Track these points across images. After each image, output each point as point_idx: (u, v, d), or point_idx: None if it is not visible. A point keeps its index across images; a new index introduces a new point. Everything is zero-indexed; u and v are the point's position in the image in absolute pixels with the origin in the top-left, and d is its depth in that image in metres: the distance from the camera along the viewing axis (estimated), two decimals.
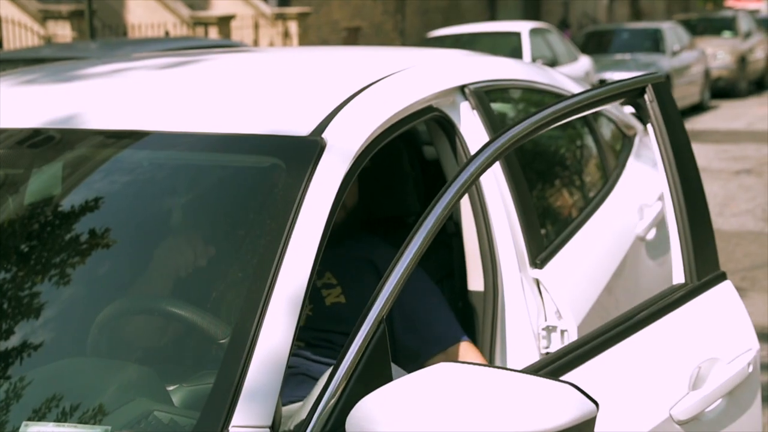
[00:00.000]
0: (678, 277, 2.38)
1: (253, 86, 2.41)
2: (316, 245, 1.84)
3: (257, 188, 2.06)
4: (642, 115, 2.49)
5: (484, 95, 2.63)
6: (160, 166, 2.22)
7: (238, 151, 2.09)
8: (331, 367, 1.70)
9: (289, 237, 1.83)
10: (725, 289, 2.45)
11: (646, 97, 2.44)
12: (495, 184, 2.51)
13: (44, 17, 13.90)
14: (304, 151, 1.99)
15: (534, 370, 1.90)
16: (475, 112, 2.55)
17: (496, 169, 2.52)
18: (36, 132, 2.16)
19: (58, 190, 2.18)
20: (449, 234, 2.70)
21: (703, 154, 12.86)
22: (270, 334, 1.70)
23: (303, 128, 2.05)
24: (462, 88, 2.56)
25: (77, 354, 1.96)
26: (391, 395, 1.60)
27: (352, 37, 24.25)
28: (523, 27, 14.82)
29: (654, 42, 18.03)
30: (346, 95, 2.20)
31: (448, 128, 2.50)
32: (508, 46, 13.87)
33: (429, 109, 2.40)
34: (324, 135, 2.02)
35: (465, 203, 2.49)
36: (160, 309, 1.94)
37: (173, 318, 1.92)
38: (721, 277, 2.46)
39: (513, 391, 1.57)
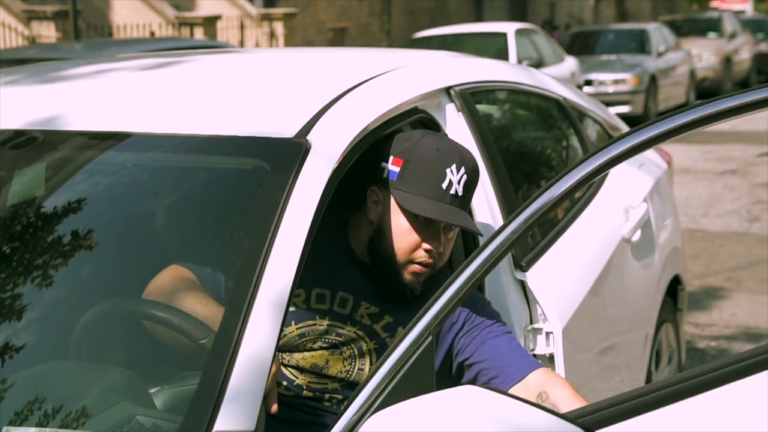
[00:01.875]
0: None
1: (238, 87, 2.41)
2: (300, 247, 1.83)
3: (241, 190, 2.05)
4: None
5: (470, 97, 2.62)
6: (143, 167, 2.21)
7: (223, 153, 2.08)
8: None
9: (274, 239, 1.82)
10: None
11: None
12: (480, 186, 2.51)
13: (28, 18, 13.84)
14: (289, 153, 1.98)
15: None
16: (460, 113, 2.54)
17: (482, 171, 2.51)
18: (18, 133, 2.14)
19: (40, 191, 2.16)
20: None
21: (687, 155, 12.89)
22: (254, 337, 1.69)
23: (288, 130, 2.04)
24: (447, 90, 2.55)
25: (60, 357, 1.95)
26: (405, 412, 1.58)
27: (338, 37, 24.23)
28: (509, 28, 14.83)
29: (639, 43, 18.06)
30: (332, 97, 2.19)
31: (433, 130, 2.49)
32: (494, 46, 13.87)
33: (414, 110, 2.39)
34: (309, 137, 2.02)
35: None
36: (142, 311, 1.93)
37: (156, 320, 1.90)
38: None
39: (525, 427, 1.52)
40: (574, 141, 3.46)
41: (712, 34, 22.93)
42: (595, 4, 39.46)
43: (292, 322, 2.19)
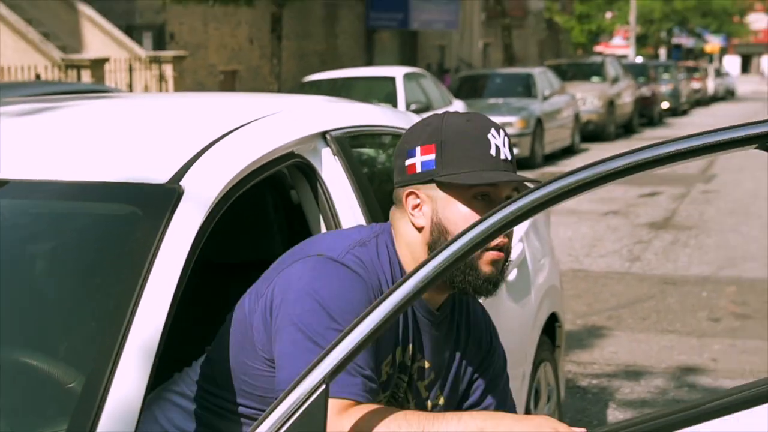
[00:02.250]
0: None
1: (114, 133, 2.41)
2: (171, 293, 1.84)
3: (114, 236, 2.05)
4: None
5: (346, 141, 2.67)
6: (20, 214, 2.20)
7: (97, 199, 2.09)
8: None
9: (144, 285, 1.83)
10: None
11: None
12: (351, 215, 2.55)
13: None
14: (161, 199, 2.00)
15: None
16: (336, 158, 2.59)
17: (359, 216, 2.56)
18: None
19: None
20: None
21: None
22: (123, 384, 1.69)
23: (161, 176, 2.06)
24: (323, 135, 2.60)
25: None
26: None
27: (229, 80, 24.21)
28: (397, 72, 15.04)
29: (526, 87, 18.50)
30: (206, 143, 2.22)
31: (309, 174, 2.53)
32: (383, 90, 14.05)
33: (290, 155, 2.43)
34: (182, 182, 2.04)
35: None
36: (8, 358, 1.91)
37: (23, 367, 1.89)
38: None
39: None
40: None
41: (595, 79, 23.61)
42: (484, 48, 40.25)
43: (386, 389, 2.08)
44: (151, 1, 20.54)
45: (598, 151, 19.22)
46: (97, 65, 16.40)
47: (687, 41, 66.45)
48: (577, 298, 7.58)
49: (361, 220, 2.56)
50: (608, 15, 45.95)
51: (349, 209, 2.54)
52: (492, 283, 2.01)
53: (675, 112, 32.38)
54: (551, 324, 3.84)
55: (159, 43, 21.10)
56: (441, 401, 2.12)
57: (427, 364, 2.10)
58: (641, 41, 55.88)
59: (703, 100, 41.10)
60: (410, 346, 2.06)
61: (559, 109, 18.69)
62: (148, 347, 1.75)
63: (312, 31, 27.65)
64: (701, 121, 29.80)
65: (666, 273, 8.53)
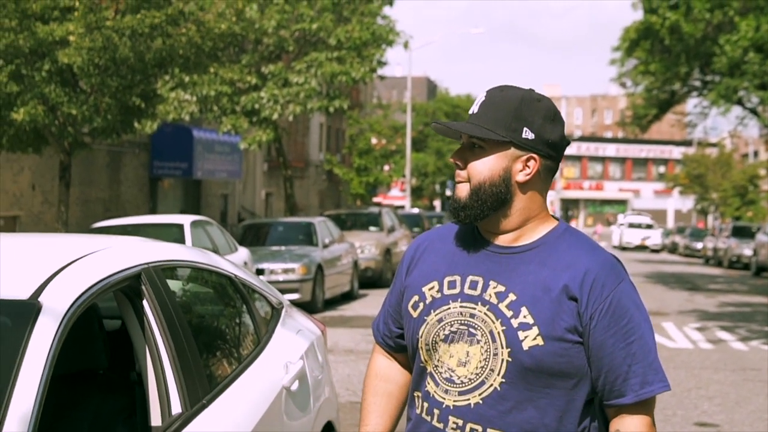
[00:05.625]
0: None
1: None
2: (38, 380, 2.44)
3: None
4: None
5: (161, 272, 3.34)
6: None
7: None
8: None
9: (16, 378, 2.43)
10: None
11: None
12: (166, 352, 3.17)
13: None
14: (25, 311, 2.61)
15: None
16: (155, 284, 3.25)
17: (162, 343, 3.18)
18: None
19: None
20: (132, 382, 3.34)
21: (350, 337, 14.04)
22: None
23: (23, 292, 2.68)
24: (145, 266, 3.26)
25: None
26: None
27: (10, 226, 24.00)
28: (185, 219, 15.62)
29: (307, 235, 19.35)
30: (54, 269, 2.85)
31: (133, 298, 3.17)
32: (170, 236, 14.57)
33: (121, 281, 3.08)
34: (40, 298, 2.66)
35: (149, 362, 3.14)
36: None
37: None
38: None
39: None
40: (246, 317, 4.21)
41: (373, 228, 24.82)
42: (266, 197, 41.31)
43: (431, 311, 2.46)
44: None
45: (375, 297, 20.26)
46: None
47: None
48: (354, 427, 8.26)
49: (166, 347, 3.18)
50: (386, 168, 48.13)
51: (161, 324, 3.18)
52: (454, 208, 2.46)
53: None
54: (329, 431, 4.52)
55: None
56: (529, 320, 2.36)
57: (502, 288, 2.40)
58: (417, 193, 58.66)
59: None
60: (470, 276, 2.44)
61: (339, 256, 19.54)
62: (26, 418, 2.34)
63: (96, 178, 27.81)
64: None
65: None
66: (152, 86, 16.93)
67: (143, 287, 3.20)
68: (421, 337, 2.47)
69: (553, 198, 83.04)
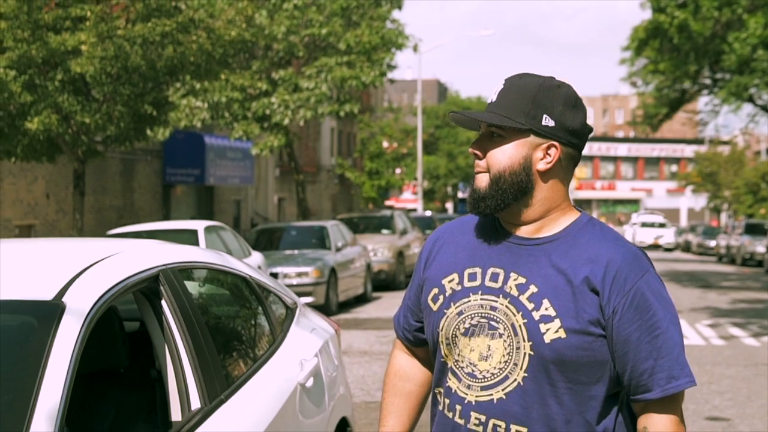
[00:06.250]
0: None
1: (3, 268, 3.11)
2: (64, 378, 2.55)
3: (19, 337, 2.75)
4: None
5: (179, 273, 3.45)
6: None
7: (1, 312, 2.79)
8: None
9: (44, 372, 2.54)
10: None
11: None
12: (185, 350, 3.28)
13: None
14: (50, 311, 2.73)
15: None
16: (173, 285, 3.36)
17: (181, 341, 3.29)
18: None
19: None
20: (152, 380, 3.45)
21: (365, 339, 14.14)
22: None
23: (47, 294, 2.79)
24: (163, 267, 3.37)
25: None
26: None
27: (25, 234, 24.18)
28: (199, 225, 15.76)
29: (320, 239, 19.45)
30: (75, 272, 2.96)
31: (152, 298, 3.29)
32: (185, 242, 14.74)
33: (140, 282, 3.19)
34: (64, 299, 2.77)
35: (168, 359, 3.25)
36: None
37: None
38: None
39: None
40: (261, 317, 4.32)
41: (385, 231, 24.91)
42: (279, 202, 41.49)
43: (451, 304, 2.41)
44: None
45: (389, 299, 20.36)
46: None
47: None
48: (369, 426, 8.37)
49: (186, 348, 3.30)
50: (398, 171, 48.23)
51: (179, 323, 3.30)
52: (474, 199, 2.42)
53: None
54: (344, 428, 4.63)
55: None
56: (551, 312, 2.31)
57: (523, 280, 2.36)
58: (429, 195, 58.75)
59: None
60: (491, 268, 2.40)
61: (352, 259, 19.63)
62: (51, 417, 2.45)
63: (109, 186, 27.96)
64: None
65: None
66: (164, 94, 17.09)
67: (162, 288, 3.31)
68: (442, 330, 2.43)
69: None
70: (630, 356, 2.31)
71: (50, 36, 15.02)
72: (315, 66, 24.15)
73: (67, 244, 3.79)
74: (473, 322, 2.38)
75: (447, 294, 2.44)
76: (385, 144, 47.15)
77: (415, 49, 26.91)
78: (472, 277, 2.41)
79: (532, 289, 2.34)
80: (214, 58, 16.87)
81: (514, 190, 2.37)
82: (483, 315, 2.37)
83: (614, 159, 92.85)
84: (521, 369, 2.33)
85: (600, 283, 2.32)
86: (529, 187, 2.38)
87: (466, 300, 2.40)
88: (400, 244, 24.23)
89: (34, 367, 2.58)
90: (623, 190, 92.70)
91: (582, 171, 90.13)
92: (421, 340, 2.63)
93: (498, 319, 2.35)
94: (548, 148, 2.38)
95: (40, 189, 25.05)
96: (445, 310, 2.42)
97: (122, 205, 28.73)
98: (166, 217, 30.37)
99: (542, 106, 2.37)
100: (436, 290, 2.47)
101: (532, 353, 2.31)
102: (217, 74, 18.06)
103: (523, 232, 2.42)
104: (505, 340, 2.33)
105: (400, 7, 26.94)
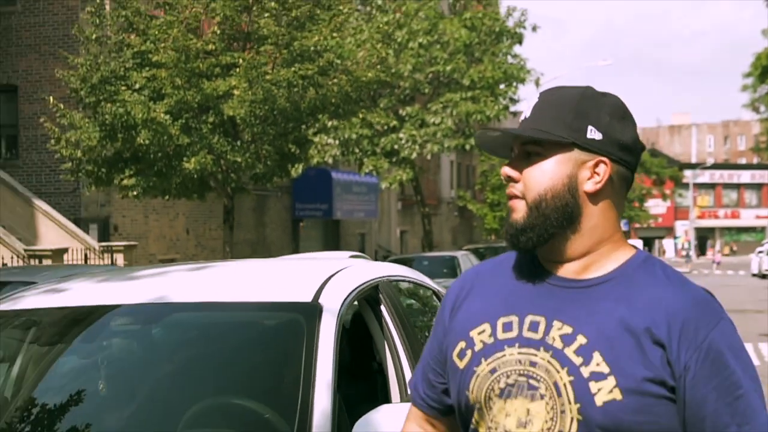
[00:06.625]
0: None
1: (261, 278, 3.91)
2: (330, 367, 3.29)
3: (290, 331, 3.53)
4: None
5: (391, 284, 4.22)
6: (225, 324, 3.62)
7: (272, 310, 3.57)
8: None
9: (316, 361, 3.29)
10: None
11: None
12: (401, 345, 4.03)
13: None
14: (311, 310, 3.50)
15: None
16: (389, 293, 4.12)
17: (398, 338, 4.03)
18: (143, 306, 3.57)
19: (160, 337, 3.59)
20: (374, 371, 4.22)
21: None
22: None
23: (307, 297, 3.58)
24: (380, 279, 4.14)
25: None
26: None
27: None
28: (343, 256, 16.58)
29: (451, 268, 20.18)
30: (322, 280, 3.74)
31: (373, 303, 4.05)
32: None
33: (367, 289, 3.96)
34: (320, 301, 3.55)
35: (387, 353, 4.00)
36: (237, 403, 3.33)
37: (242, 408, 3.31)
38: None
39: None
40: None
41: None
42: (401, 235, 42.34)
43: (482, 360, 1.99)
44: (95, 195, 22.00)
45: None
46: (58, 254, 17.75)
47: None
48: None
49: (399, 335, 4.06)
50: None
51: (396, 324, 4.04)
52: (511, 233, 2.01)
53: None
54: None
55: (104, 234, 22.49)
56: (604, 368, 1.88)
57: (569, 329, 1.93)
58: None
59: None
60: (530, 316, 1.98)
61: None
62: (329, 393, 3.21)
63: (243, 221, 29.17)
64: None
65: None
66: (304, 133, 18.15)
67: (380, 295, 4.06)
68: (472, 392, 2.00)
69: (687, 227, 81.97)
70: (708, 422, 1.89)
71: (204, 82, 16.23)
72: (440, 102, 24.98)
73: (299, 262, 4.59)
74: (509, 381, 1.95)
75: (477, 348, 2.01)
76: None
77: (536, 83, 27.50)
78: (507, 327, 1.99)
79: (581, 340, 1.92)
80: (351, 99, 17.85)
81: (559, 215, 1.97)
82: (521, 372, 1.95)
83: (737, 186, 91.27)
84: None
85: (666, 334, 1.90)
86: (576, 212, 1.98)
87: (500, 354, 1.98)
88: None
89: (308, 365, 3.22)
90: (747, 217, 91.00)
91: (704, 199, 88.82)
92: (447, 405, 2.15)
93: (539, 377, 1.93)
94: (596, 165, 1.98)
95: (181, 225, 26.40)
96: (475, 368, 2.00)
97: (255, 239, 29.93)
98: (296, 251, 31.48)
99: (586, 117, 1.98)
100: (463, 344, 2.04)
101: (580, 418, 1.89)
102: (356, 113, 19.03)
103: (568, 271, 2.00)
104: (547, 402, 1.91)
105: (520, 42, 27.60)
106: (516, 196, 2.01)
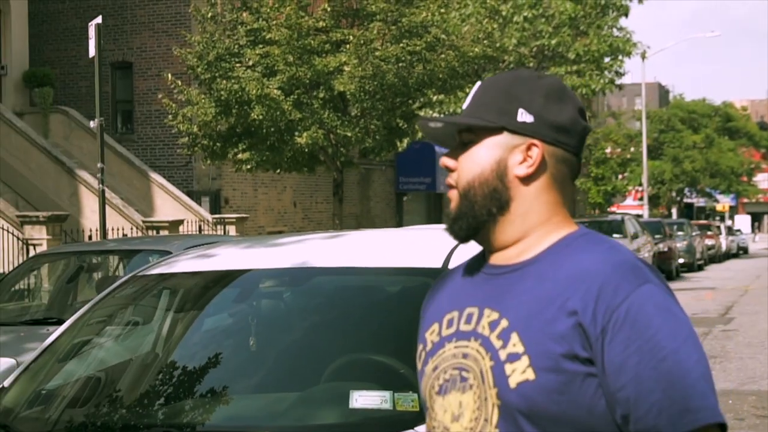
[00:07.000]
0: None
1: (391, 246, 4.23)
2: None
3: (422, 295, 3.83)
4: None
5: None
6: (361, 287, 3.95)
7: (404, 275, 3.89)
8: None
9: None
10: None
11: None
12: None
13: (22, 222, 15.53)
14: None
15: None
16: None
17: None
18: (293, 269, 3.92)
19: (304, 298, 3.95)
20: None
21: None
22: None
23: (437, 263, 3.88)
24: None
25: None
26: None
27: None
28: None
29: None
30: (450, 247, 4.04)
31: None
32: None
33: None
34: (449, 267, 3.85)
35: None
36: (378, 359, 3.66)
37: (378, 365, 3.64)
38: None
39: None
40: None
41: (616, 235, 25.42)
42: None
43: (429, 359, 1.95)
44: (207, 169, 22.67)
45: None
46: (174, 226, 18.45)
47: (698, 201, 68.73)
48: None
49: None
50: (620, 177, 48.19)
51: None
52: (448, 224, 1.99)
53: (691, 267, 34.08)
54: None
55: (215, 207, 23.21)
56: (519, 348, 1.79)
57: (496, 315, 1.85)
58: (653, 201, 58.20)
59: (717, 257, 42.85)
60: (468, 308, 1.91)
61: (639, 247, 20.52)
62: None
63: (348, 195, 29.67)
64: (718, 275, 31.49)
65: None
66: (411, 107, 18.47)
67: None
68: (422, 392, 1.98)
69: None
70: (630, 389, 1.72)
71: (315, 59, 16.66)
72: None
73: (425, 231, 4.91)
74: (446, 376, 1.90)
75: (427, 349, 1.97)
76: (608, 150, 47.23)
77: (643, 56, 27.37)
78: (450, 323, 1.93)
79: (503, 323, 1.83)
80: (458, 73, 18.10)
81: (487, 202, 1.90)
82: (455, 366, 1.88)
83: None
84: (491, 425, 1.81)
85: (580, 300, 1.77)
86: (506, 197, 1.90)
87: (441, 351, 1.92)
88: (632, 248, 24.63)
89: None
90: None
91: None
92: None
93: (469, 368, 1.86)
94: (528, 148, 1.90)
95: (288, 198, 27.03)
96: (424, 368, 1.96)
97: (360, 212, 30.41)
98: (399, 224, 31.89)
99: (517, 99, 1.91)
100: (420, 347, 2.00)
101: (498, 403, 1.80)
102: (462, 88, 19.28)
103: (503, 258, 1.92)
104: (475, 392, 1.84)
105: (626, 15, 27.40)
106: (452, 186, 1.96)
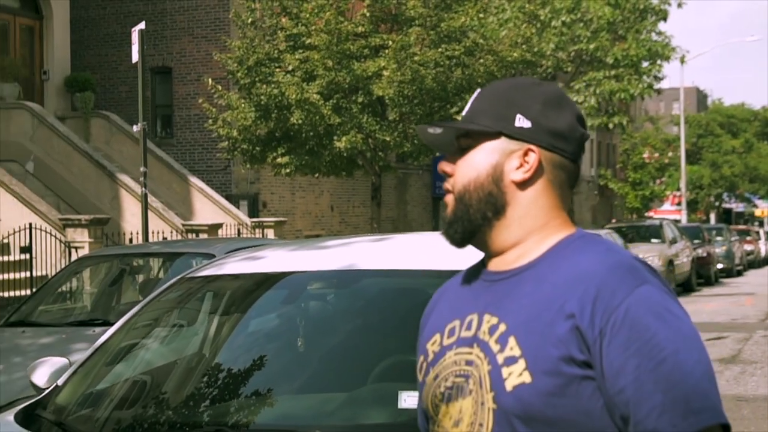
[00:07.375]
0: None
1: (433, 248, 4.27)
2: None
3: None
4: None
5: None
6: (406, 289, 3.98)
7: (447, 278, 3.92)
8: None
9: None
10: None
11: None
12: None
13: (64, 225, 15.73)
14: None
15: None
16: None
17: None
18: (341, 272, 3.98)
19: (350, 300, 4.01)
20: None
21: None
22: None
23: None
24: None
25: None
26: None
27: None
28: None
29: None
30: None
31: None
32: None
33: None
34: None
35: None
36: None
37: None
38: None
39: None
40: None
41: (654, 240, 25.31)
42: None
43: (430, 369, 1.95)
44: (245, 173, 22.81)
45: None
46: (213, 229, 18.58)
47: (736, 206, 68.18)
48: None
49: None
50: (657, 182, 47.92)
51: None
52: (444, 229, 2.00)
53: (730, 273, 33.81)
54: None
55: (253, 211, 23.34)
56: (516, 351, 1.79)
57: (495, 320, 1.85)
58: (691, 206, 57.86)
59: (756, 262, 42.48)
60: (468, 316, 1.91)
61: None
62: None
63: (385, 199, 29.73)
64: (757, 280, 31.21)
65: (738, 393, 10.17)
66: (449, 112, 18.51)
67: None
68: (425, 402, 1.98)
69: None
70: (629, 393, 1.70)
71: (354, 63, 16.75)
72: (583, 80, 24.98)
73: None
74: (447, 384, 1.90)
75: (429, 360, 1.97)
76: (645, 154, 47.01)
77: (682, 61, 27.24)
78: (452, 332, 1.94)
79: (501, 328, 1.83)
80: (496, 78, 18.11)
81: (482, 206, 1.90)
82: (457, 373, 1.89)
83: None
84: (487, 430, 1.81)
85: (578, 303, 1.76)
86: (501, 202, 1.90)
87: (442, 360, 1.93)
88: (670, 253, 24.55)
89: None
90: None
91: None
92: None
93: (470, 374, 1.86)
94: (525, 153, 1.91)
95: (326, 202, 27.13)
96: (426, 378, 1.96)
97: (397, 216, 30.46)
98: (435, 229, 31.83)
99: (515, 105, 1.92)
100: (421, 358, 2.00)
101: (495, 407, 1.80)
102: None
103: (501, 263, 1.92)
104: (473, 397, 1.84)
105: (665, 19, 27.28)
106: (448, 191, 1.97)
